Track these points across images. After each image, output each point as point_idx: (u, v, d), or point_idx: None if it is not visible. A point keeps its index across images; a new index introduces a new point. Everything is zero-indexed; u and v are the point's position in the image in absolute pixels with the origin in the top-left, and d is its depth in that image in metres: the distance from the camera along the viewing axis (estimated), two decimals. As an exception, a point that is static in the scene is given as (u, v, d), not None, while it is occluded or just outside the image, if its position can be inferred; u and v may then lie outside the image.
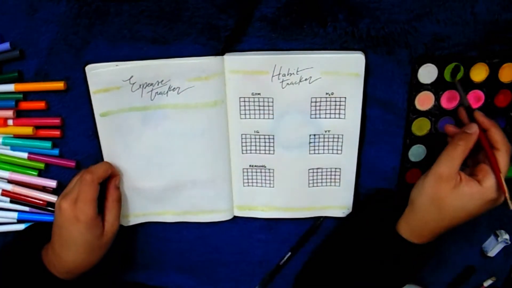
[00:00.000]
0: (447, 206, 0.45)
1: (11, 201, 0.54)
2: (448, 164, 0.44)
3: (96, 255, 0.49)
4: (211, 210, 0.56)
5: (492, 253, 0.61)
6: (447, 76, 0.50)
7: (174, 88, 0.49)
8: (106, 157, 0.53)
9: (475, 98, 0.52)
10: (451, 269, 0.63)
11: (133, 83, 0.48)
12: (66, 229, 0.47)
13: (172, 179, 0.54)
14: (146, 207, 0.56)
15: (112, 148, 0.52)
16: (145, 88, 0.49)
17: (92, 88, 0.49)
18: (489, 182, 0.44)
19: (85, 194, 0.47)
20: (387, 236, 0.49)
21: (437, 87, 0.51)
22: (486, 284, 0.64)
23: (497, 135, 0.45)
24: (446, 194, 0.44)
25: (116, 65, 0.48)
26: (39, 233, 0.52)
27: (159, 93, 0.49)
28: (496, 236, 0.60)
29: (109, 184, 0.51)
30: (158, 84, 0.49)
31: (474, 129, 0.45)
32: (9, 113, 0.50)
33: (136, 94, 0.49)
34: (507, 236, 0.60)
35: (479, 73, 0.50)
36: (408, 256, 0.49)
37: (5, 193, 0.54)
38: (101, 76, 0.48)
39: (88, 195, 0.47)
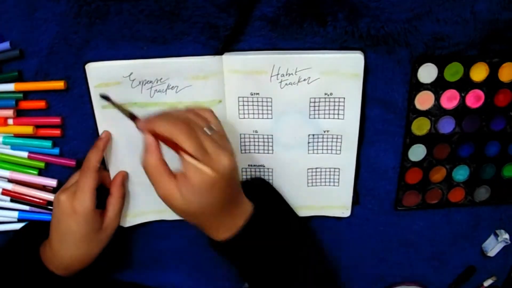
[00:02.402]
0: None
1: (11, 200, 0.54)
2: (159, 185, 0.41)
3: (94, 249, 0.49)
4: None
5: (492, 252, 0.61)
6: (447, 75, 0.50)
7: (172, 86, 0.49)
8: (105, 154, 0.52)
9: (475, 98, 0.52)
10: (451, 269, 0.63)
11: (133, 80, 0.48)
12: (64, 221, 0.47)
13: None
14: (145, 205, 0.56)
15: (112, 144, 0.52)
16: (144, 85, 0.49)
17: (93, 83, 0.49)
18: (190, 170, 0.40)
19: (83, 183, 0.47)
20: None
21: (437, 86, 0.51)
22: (486, 283, 0.64)
23: (161, 128, 0.41)
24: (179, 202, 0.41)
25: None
26: (36, 231, 0.52)
27: (158, 91, 0.49)
28: (496, 235, 0.60)
29: (115, 181, 0.52)
30: (157, 82, 0.49)
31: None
32: (9, 112, 0.50)
33: (136, 91, 0.49)
34: (507, 236, 0.60)
35: (479, 72, 0.50)
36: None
37: (5, 192, 0.54)
38: (101, 71, 0.48)
39: (86, 184, 0.47)
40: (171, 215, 0.57)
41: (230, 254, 0.48)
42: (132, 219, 0.56)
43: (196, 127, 0.42)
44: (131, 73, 0.48)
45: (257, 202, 0.47)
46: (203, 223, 0.45)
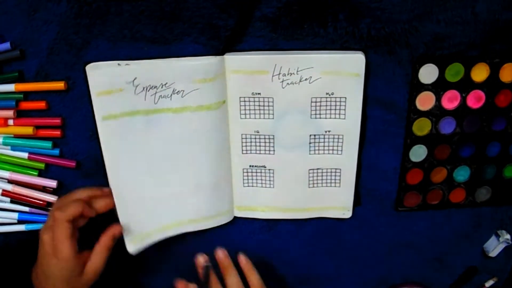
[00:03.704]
0: None
1: (11, 201, 0.54)
2: None
3: None
4: (214, 215, 0.55)
5: (493, 253, 0.61)
6: (448, 76, 0.50)
7: (178, 91, 0.48)
8: (108, 164, 0.51)
9: (476, 98, 0.52)
10: (452, 270, 0.63)
11: (137, 85, 0.47)
12: (46, 262, 0.47)
13: (176, 186, 0.53)
14: (148, 225, 0.54)
15: (115, 154, 0.50)
16: (148, 91, 0.48)
17: (94, 90, 0.47)
18: None
19: (58, 233, 0.46)
20: None
21: (438, 87, 0.51)
22: (487, 284, 0.64)
23: None
24: None
25: (118, 64, 0.47)
26: (30, 251, 0.51)
27: (163, 97, 0.48)
28: (498, 236, 0.60)
29: (108, 231, 0.50)
30: (162, 87, 0.48)
31: None
32: (10, 113, 0.50)
33: (140, 97, 0.48)
34: (508, 236, 0.60)
35: (479, 73, 0.50)
36: None
37: (5, 193, 0.54)
38: (103, 77, 0.47)
39: (61, 235, 0.46)
40: (174, 231, 0.55)
41: None
42: (139, 243, 0.54)
43: None
44: (135, 78, 0.47)
45: None
46: None
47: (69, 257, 0.46)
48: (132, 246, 0.54)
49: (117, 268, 0.60)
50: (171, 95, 0.48)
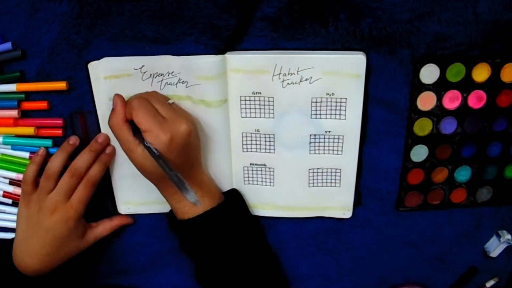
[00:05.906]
0: None
1: (13, 203, 0.54)
2: None
3: (69, 252, 0.51)
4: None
5: (494, 253, 0.61)
6: (449, 76, 0.50)
7: (183, 81, 0.49)
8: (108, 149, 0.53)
9: (477, 98, 0.52)
10: (453, 270, 0.63)
11: (144, 72, 0.48)
12: (45, 219, 0.49)
13: None
14: (147, 195, 0.55)
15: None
16: (155, 77, 0.49)
17: (103, 74, 0.49)
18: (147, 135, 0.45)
19: (85, 196, 0.50)
20: None
21: (439, 87, 0.51)
22: (488, 284, 0.64)
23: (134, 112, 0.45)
24: None
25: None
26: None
27: (169, 84, 0.49)
28: (499, 236, 0.60)
29: (124, 216, 0.57)
30: (168, 75, 0.49)
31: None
32: (14, 113, 0.50)
33: (146, 83, 0.49)
34: (509, 237, 0.60)
35: (481, 73, 0.50)
36: None
37: (6, 194, 0.54)
38: (112, 64, 0.48)
39: (87, 197, 0.51)
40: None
41: (188, 237, 0.51)
42: (133, 207, 0.57)
43: (155, 101, 0.47)
44: (143, 66, 0.48)
45: (230, 198, 0.53)
46: (164, 189, 0.49)
47: (80, 219, 0.50)
48: (125, 209, 0.57)
49: (116, 270, 0.60)
50: (177, 83, 0.49)
